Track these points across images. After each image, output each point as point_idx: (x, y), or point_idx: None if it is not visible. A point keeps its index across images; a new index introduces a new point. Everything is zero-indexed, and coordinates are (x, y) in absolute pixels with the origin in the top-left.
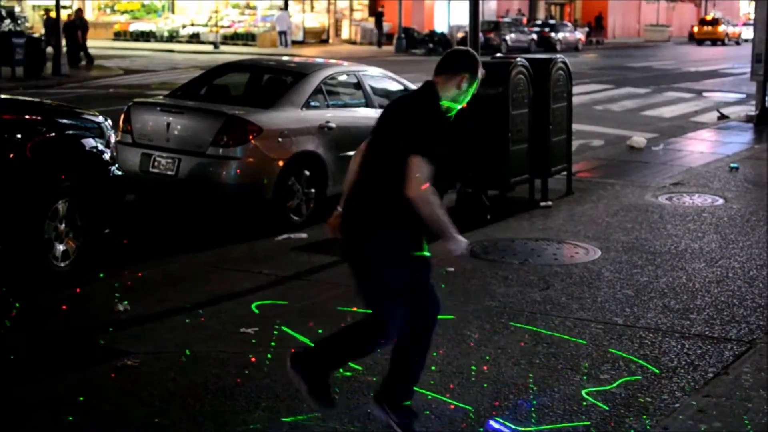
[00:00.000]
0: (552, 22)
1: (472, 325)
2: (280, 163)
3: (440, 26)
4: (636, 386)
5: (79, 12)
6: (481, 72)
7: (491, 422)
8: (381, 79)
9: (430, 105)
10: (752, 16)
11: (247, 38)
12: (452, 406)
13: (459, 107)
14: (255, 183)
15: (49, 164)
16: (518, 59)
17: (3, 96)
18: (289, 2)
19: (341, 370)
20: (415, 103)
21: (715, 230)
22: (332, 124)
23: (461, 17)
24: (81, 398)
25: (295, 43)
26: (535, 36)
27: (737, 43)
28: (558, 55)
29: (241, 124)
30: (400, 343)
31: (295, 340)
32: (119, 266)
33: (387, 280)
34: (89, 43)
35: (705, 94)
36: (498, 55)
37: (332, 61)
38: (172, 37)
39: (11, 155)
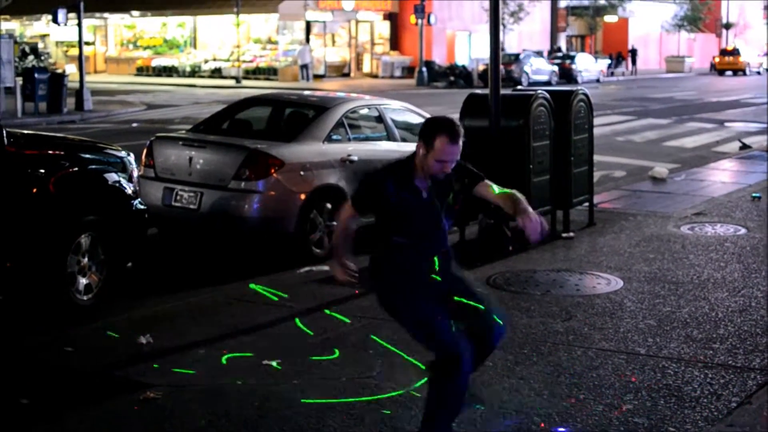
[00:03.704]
0: (573, 54)
1: (494, 355)
2: (302, 197)
3: (461, 59)
4: (659, 416)
5: None
6: (440, 141)
7: None
8: (402, 112)
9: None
10: None
11: (269, 72)
12: None
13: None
14: (277, 216)
15: (72, 198)
16: (539, 91)
17: (26, 131)
18: (311, 36)
19: None
20: None
21: (738, 260)
22: (354, 158)
23: (482, 50)
24: None
25: (316, 77)
26: (556, 68)
27: (758, 73)
28: (579, 87)
29: (263, 157)
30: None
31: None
32: (142, 299)
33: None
34: (112, 77)
35: (727, 124)
36: (519, 87)
37: (353, 94)
38: (194, 72)
39: (35, 190)
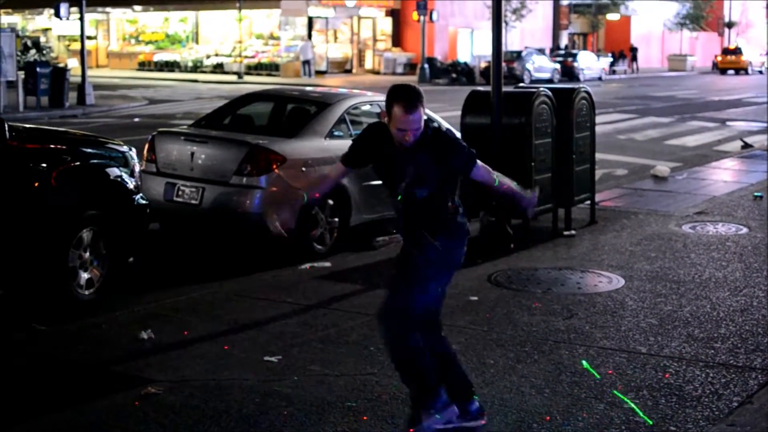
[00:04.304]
0: (575, 51)
1: (495, 353)
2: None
3: (463, 56)
4: (660, 415)
5: None
6: (397, 109)
7: None
8: None
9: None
10: None
11: (271, 68)
12: None
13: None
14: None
15: (73, 193)
16: (541, 89)
17: (28, 125)
18: (313, 32)
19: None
20: None
21: (739, 259)
22: None
23: (484, 47)
24: (105, 426)
25: (318, 73)
26: (558, 66)
27: (761, 72)
28: (581, 85)
29: (265, 153)
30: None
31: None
32: (143, 294)
33: None
34: (114, 72)
35: (729, 123)
36: (521, 84)
37: (355, 90)
38: (196, 67)
39: (36, 184)
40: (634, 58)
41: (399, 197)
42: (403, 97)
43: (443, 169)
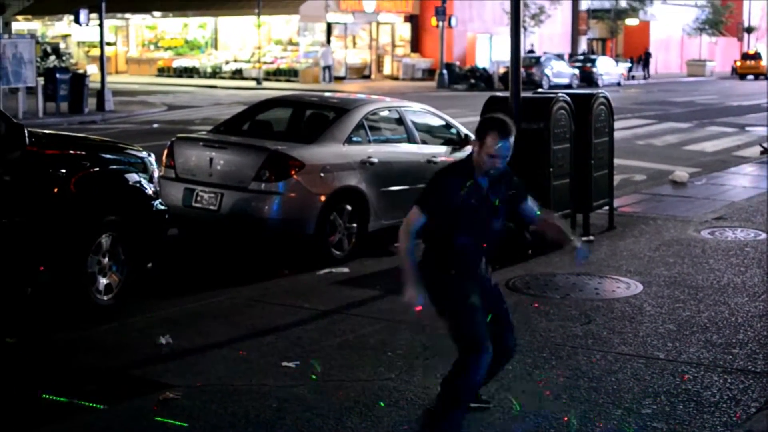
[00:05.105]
0: (593, 57)
1: (513, 359)
2: (322, 198)
3: (482, 61)
4: (678, 421)
5: None
6: (491, 137)
7: None
8: (423, 114)
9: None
10: None
11: (290, 74)
12: None
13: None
14: (297, 218)
15: (92, 199)
16: (560, 94)
17: (48, 131)
18: (332, 38)
19: None
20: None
21: (758, 264)
22: (374, 159)
23: (503, 53)
24: (123, 431)
25: (337, 78)
26: (577, 71)
27: None
28: (600, 91)
29: (284, 159)
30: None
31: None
32: (162, 300)
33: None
34: (133, 78)
35: (748, 128)
36: (540, 90)
37: (374, 96)
38: (215, 73)
39: (56, 190)
40: (646, 64)
41: (475, 229)
42: (498, 126)
43: (509, 199)
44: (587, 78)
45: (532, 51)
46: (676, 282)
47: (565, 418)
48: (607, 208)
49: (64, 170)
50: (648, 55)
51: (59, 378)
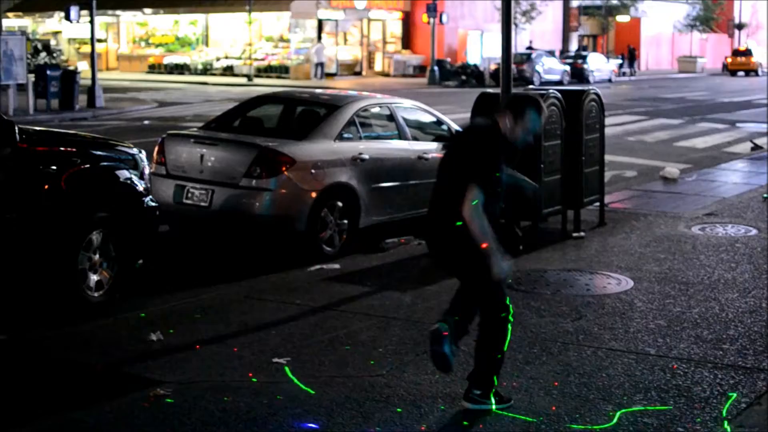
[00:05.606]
0: (584, 53)
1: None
2: (313, 195)
3: (473, 58)
4: (668, 416)
5: None
6: (531, 114)
7: None
8: (413, 111)
9: (490, 135)
10: None
11: (281, 71)
12: None
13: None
14: (288, 214)
15: (83, 195)
16: (550, 91)
17: (38, 128)
18: (323, 35)
19: None
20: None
21: (749, 260)
22: (365, 156)
23: (494, 49)
24: (113, 428)
25: (328, 75)
26: (568, 68)
27: None
28: (590, 87)
29: (274, 155)
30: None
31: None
32: (153, 296)
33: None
34: (124, 75)
35: (738, 124)
36: (530, 87)
37: (365, 93)
38: (206, 69)
39: (46, 186)
40: (632, 60)
41: (496, 200)
42: (538, 104)
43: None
44: (578, 74)
45: (531, 48)
46: (666, 278)
47: (553, 407)
48: (597, 204)
49: (54, 167)
50: (632, 51)
51: (49, 374)
